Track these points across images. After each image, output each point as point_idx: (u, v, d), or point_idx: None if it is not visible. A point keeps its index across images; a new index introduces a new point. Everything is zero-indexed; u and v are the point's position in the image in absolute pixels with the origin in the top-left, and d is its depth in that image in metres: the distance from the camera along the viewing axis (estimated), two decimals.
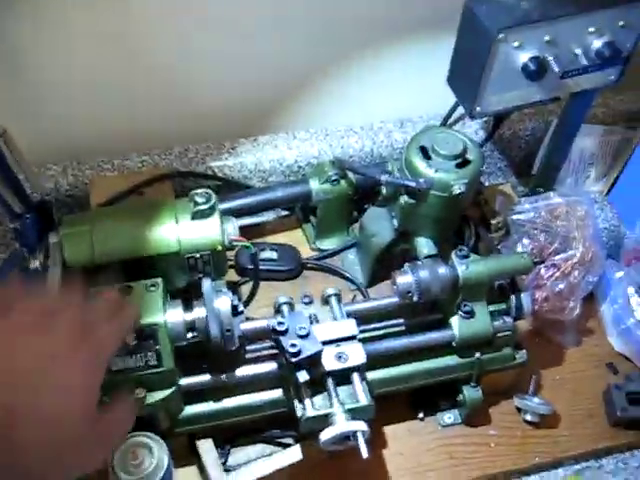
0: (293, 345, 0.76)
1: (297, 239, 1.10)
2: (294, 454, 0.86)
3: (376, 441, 0.91)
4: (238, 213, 1.01)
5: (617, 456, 0.96)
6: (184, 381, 0.81)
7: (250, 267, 1.01)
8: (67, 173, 1.07)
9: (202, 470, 0.86)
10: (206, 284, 0.79)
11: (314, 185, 1.02)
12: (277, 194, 1.02)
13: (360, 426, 0.75)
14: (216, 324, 0.77)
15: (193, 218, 0.84)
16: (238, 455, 0.89)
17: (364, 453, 0.74)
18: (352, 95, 1.15)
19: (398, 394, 0.91)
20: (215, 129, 1.11)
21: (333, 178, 1.01)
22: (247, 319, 0.83)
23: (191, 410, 0.84)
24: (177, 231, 0.83)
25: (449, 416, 0.94)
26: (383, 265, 1.01)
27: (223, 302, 0.78)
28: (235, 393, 0.84)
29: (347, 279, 1.05)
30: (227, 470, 0.86)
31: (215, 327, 0.77)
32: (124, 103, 1.05)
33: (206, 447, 0.86)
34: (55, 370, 0.54)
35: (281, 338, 0.77)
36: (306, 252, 1.08)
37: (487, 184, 1.19)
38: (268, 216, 1.11)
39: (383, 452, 0.91)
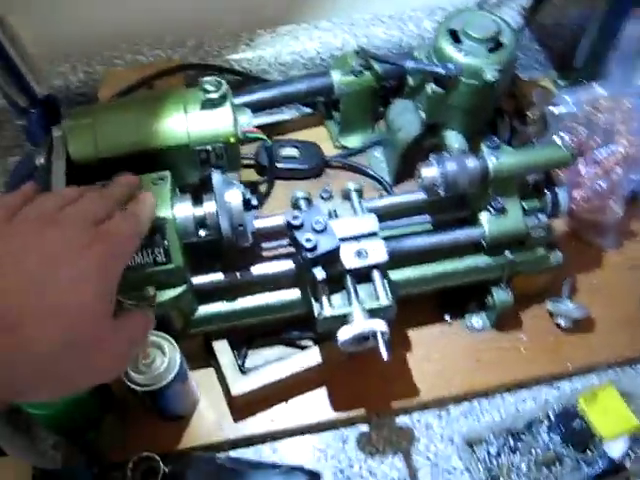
0: (309, 240, 0.71)
1: (320, 136, 1.03)
2: (312, 356, 0.83)
3: (400, 344, 0.87)
4: (256, 108, 0.94)
5: None
6: (196, 279, 0.77)
7: (270, 165, 0.96)
8: (77, 70, 1.02)
9: (218, 371, 0.84)
10: (216, 177, 0.75)
11: (336, 77, 0.95)
12: (297, 87, 0.96)
13: (379, 325, 0.71)
14: (227, 219, 0.72)
15: (203, 108, 0.78)
16: (255, 357, 0.87)
17: (384, 354, 0.70)
18: None
19: (424, 295, 0.87)
20: (232, 19, 1.04)
21: (357, 69, 0.94)
22: (263, 216, 0.79)
23: (205, 310, 0.80)
24: (186, 122, 0.78)
25: (477, 319, 0.90)
26: (411, 162, 0.94)
27: (234, 195, 0.73)
28: (250, 292, 0.81)
29: (372, 177, 0.99)
30: (244, 372, 0.84)
31: (226, 222, 0.72)
32: None
33: (222, 348, 0.83)
34: (65, 267, 0.51)
35: (296, 233, 0.72)
36: (330, 150, 1.02)
37: (525, 78, 1.10)
38: (290, 113, 1.05)
39: (407, 355, 0.88)
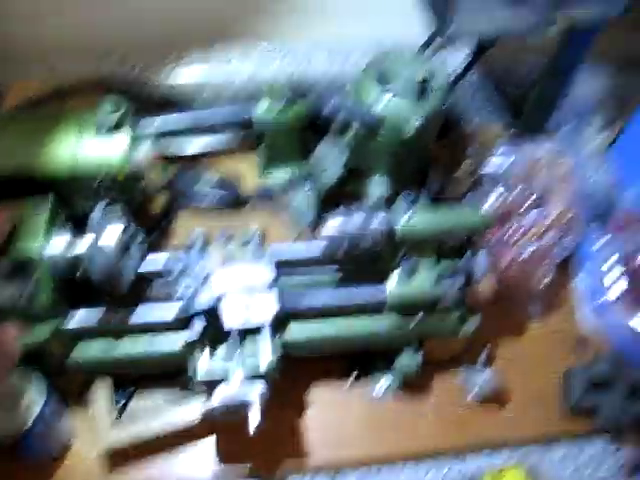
0: (188, 287, 0.65)
1: (245, 169, 0.97)
2: (192, 412, 0.76)
3: (298, 403, 0.82)
4: (173, 134, 0.89)
5: (568, 444, 0.85)
6: (72, 316, 0.71)
7: (184, 196, 0.91)
8: None
9: (95, 415, 0.77)
10: (95, 214, 0.68)
11: (261, 109, 0.89)
12: (219, 115, 0.90)
13: (254, 392, 0.65)
14: (99, 262, 0.66)
15: (98, 133, 0.72)
16: (146, 396, 0.80)
17: (253, 424, 0.65)
18: (322, 10, 1.00)
19: (330, 355, 0.81)
20: (160, 37, 0.97)
21: (282, 103, 0.88)
22: (157, 251, 0.73)
23: (83, 349, 0.74)
24: (76, 147, 0.72)
25: (384, 382, 0.84)
26: (334, 203, 0.88)
27: (110, 235, 0.67)
28: (132, 335, 0.74)
29: (293, 216, 0.93)
30: (121, 417, 0.77)
31: (97, 266, 0.66)
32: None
33: (99, 391, 0.77)
34: None
35: (178, 279, 0.67)
36: (253, 183, 0.96)
37: (469, 124, 1.05)
38: (215, 142, 0.99)
39: (305, 415, 0.81)
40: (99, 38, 0.96)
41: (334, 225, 0.72)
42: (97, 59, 0.97)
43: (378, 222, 0.72)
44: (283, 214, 0.94)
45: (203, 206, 0.93)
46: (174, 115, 0.87)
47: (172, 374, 0.80)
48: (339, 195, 0.88)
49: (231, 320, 0.68)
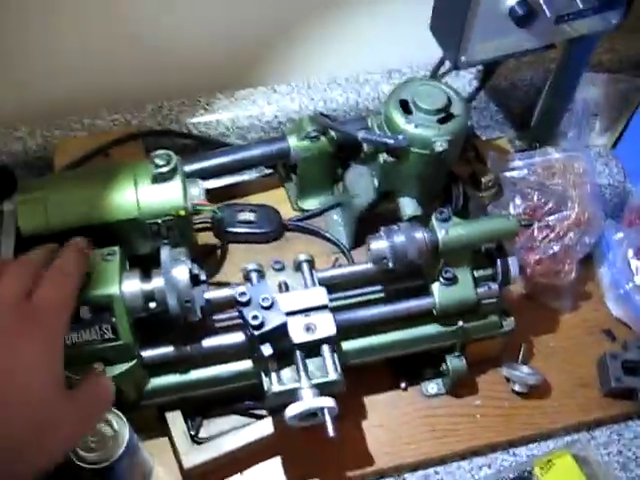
0: (255, 317, 0.71)
1: (279, 198, 1.04)
2: (265, 427, 0.82)
3: (355, 411, 0.87)
4: (214, 173, 0.96)
5: (610, 427, 0.91)
6: (146, 353, 0.77)
7: (227, 230, 0.97)
8: (35, 134, 1.01)
9: (172, 442, 0.83)
10: (164, 253, 0.75)
11: (292, 142, 0.96)
12: (254, 152, 0.96)
13: (327, 402, 0.71)
14: (174, 296, 0.72)
15: (153, 181, 0.79)
16: (210, 427, 0.86)
17: (330, 431, 0.70)
18: (335, 45, 1.07)
19: (379, 363, 0.87)
20: (190, 83, 1.04)
21: (312, 135, 0.95)
22: (217, 285, 0.80)
23: (157, 382, 0.80)
24: (136, 195, 0.78)
25: (432, 386, 0.90)
26: (367, 226, 0.94)
27: (181, 271, 0.73)
28: (202, 364, 0.80)
29: (330, 240, 1.00)
30: (198, 442, 0.83)
31: (173, 299, 0.72)
32: (96, 56, 1.00)
33: (174, 419, 0.82)
34: (5, 361, 0.52)
35: (243, 309, 0.73)
36: (288, 212, 1.03)
37: (484, 138, 1.12)
38: (250, 174, 1.06)
39: (362, 423, 0.87)
40: (133, 90, 1.02)
41: (380, 241, 0.79)
42: (129, 112, 1.03)
43: (421, 236, 0.78)
44: (318, 241, 1.00)
45: (243, 239, 0.99)
46: (217, 155, 0.94)
47: (235, 400, 0.86)
48: (371, 218, 0.95)
49: (298, 337, 0.74)
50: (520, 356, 0.91)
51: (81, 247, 0.67)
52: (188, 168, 0.89)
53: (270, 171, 1.07)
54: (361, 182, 0.93)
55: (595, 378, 0.92)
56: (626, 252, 0.95)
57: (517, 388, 0.89)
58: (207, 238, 0.99)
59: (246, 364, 0.80)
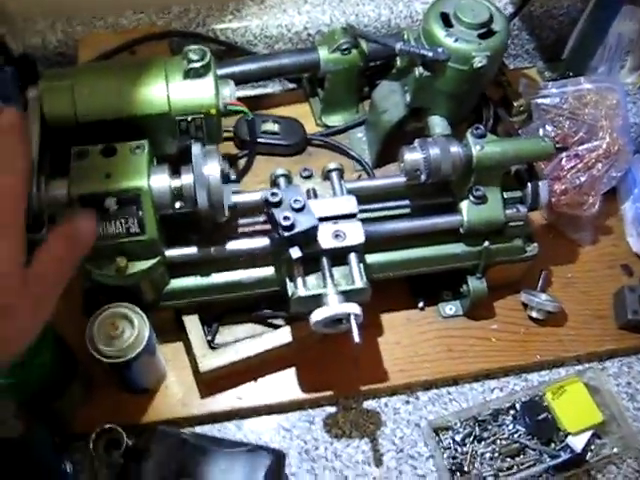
0: (286, 218, 0.70)
1: (303, 113, 1.02)
2: (283, 335, 0.82)
3: (372, 328, 0.87)
4: (240, 80, 0.92)
5: (622, 359, 0.92)
6: (170, 252, 0.76)
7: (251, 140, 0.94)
8: (56, 29, 0.98)
9: (188, 346, 0.83)
10: (196, 149, 0.73)
11: (323, 54, 0.94)
12: (282, 61, 0.94)
13: (353, 309, 0.70)
14: (204, 192, 0.71)
15: (185, 77, 0.76)
16: (226, 334, 0.86)
17: (356, 337, 0.70)
18: None
19: (399, 281, 0.87)
20: None
21: (344, 47, 0.93)
22: (241, 191, 0.78)
23: (177, 284, 0.79)
24: (167, 91, 0.75)
25: (450, 307, 0.90)
26: (393, 145, 0.92)
27: (213, 168, 0.71)
28: (224, 268, 0.79)
29: (353, 158, 0.98)
30: (213, 348, 0.83)
31: (203, 196, 0.71)
32: None
33: (192, 323, 0.82)
34: None
35: (274, 210, 0.71)
36: (312, 127, 1.01)
37: (512, 67, 1.09)
38: (273, 87, 1.03)
39: (379, 340, 0.87)
40: None
41: (415, 153, 0.77)
42: (155, 13, 1.00)
43: (456, 149, 0.77)
44: (341, 158, 0.98)
45: (265, 150, 0.97)
46: (245, 61, 0.91)
47: (253, 309, 0.86)
48: (395, 140, 0.93)
49: (326, 243, 0.73)
50: (539, 283, 0.90)
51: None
52: (224, 70, 0.86)
53: (294, 86, 1.04)
54: (391, 98, 0.91)
55: (611, 310, 0.92)
56: None
57: (534, 314, 0.89)
58: (228, 148, 0.97)
59: (269, 270, 0.79)
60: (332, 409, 0.85)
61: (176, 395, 0.83)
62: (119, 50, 0.91)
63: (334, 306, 0.70)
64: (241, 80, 0.93)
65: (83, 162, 0.72)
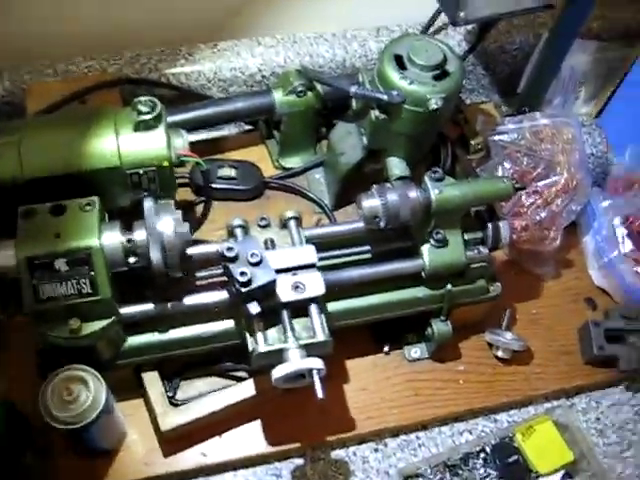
0: (243, 273, 0.68)
1: (260, 156, 1.00)
2: (247, 389, 0.80)
3: (337, 375, 0.85)
4: (194, 126, 0.92)
5: (590, 394, 0.91)
6: (125, 310, 0.73)
7: (207, 186, 0.93)
8: (3, 77, 0.95)
9: (148, 404, 0.80)
10: (147, 204, 0.71)
11: (278, 96, 0.92)
12: (237, 105, 0.92)
13: (316, 364, 0.69)
14: (157, 248, 0.69)
15: (136, 129, 0.74)
16: (188, 388, 0.83)
17: (319, 393, 0.68)
18: None
19: (362, 326, 0.85)
20: (170, 33, 0.99)
21: (299, 89, 0.91)
22: (197, 242, 0.76)
23: (134, 341, 0.76)
24: (117, 144, 0.74)
25: (416, 350, 0.88)
26: (351, 186, 0.92)
27: (166, 224, 0.70)
28: (183, 323, 0.77)
29: (312, 200, 0.97)
30: (175, 404, 0.80)
31: (157, 252, 0.69)
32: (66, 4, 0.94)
33: (151, 380, 0.79)
34: None
35: (230, 265, 0.69)
36: (269, 170, 0.99)
37: (468, 102, 1.10)
38: (229, 130, 1.02)
39: (345, 387, 0.85)
40: (108, 38, 0.97)
41: (373, 200, 0.76)
42: (105, 59, 0.98)
43: (415, 195, 0.76)
44: (299, 200, 0.97)
45: (222, 196, 0.95)
46: (199, 107, 0.90)
47: (214, 362, 0.83)
48: (354, 180, 0.92)
49: (286, 296, 0.71)
50: (504, 322, 0.90)
51: None
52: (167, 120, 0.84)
53: (250, 127, 1.03)
54: (348, 140, 0.90)
55: (577, 345, 0.92)
56: (612, 220, 0.94)
57: (500, 354, 0.88)
58: (184, 194, 0.95)
59: (228, 324, 0.77)
60: (300, 461, 0.83)
61: (138, 454, 0.80)
62: (69, 100, 0.89)
63: (296, 362, 0.69)
64: (196, 126, 0.91)
65: (31, 222, 0.69)
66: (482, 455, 0.84)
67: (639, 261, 0.93)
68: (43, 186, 0.73)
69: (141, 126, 0.74)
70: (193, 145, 0.87)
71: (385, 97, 0.80)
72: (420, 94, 0.79)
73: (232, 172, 0.95)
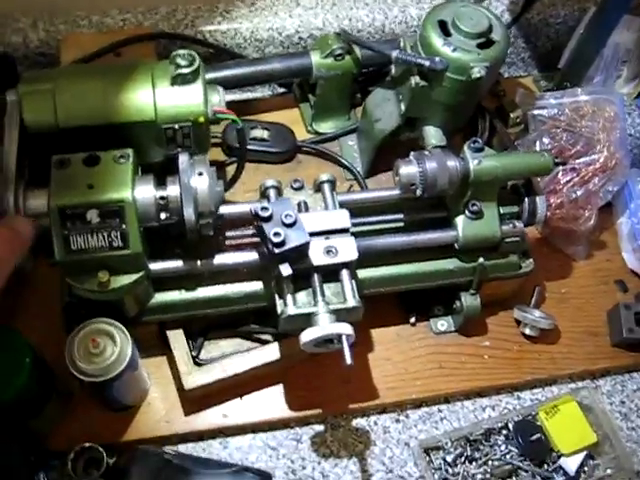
0: (277, 234, 0.67)
1: (293, 119, 0.99)
2: (271, 352, 0.79)
3: (362, 343, 0.84)
4: (228, 85, 0.90)
5: (615, 377, 0.90)
6: (154, 266, 0.73)
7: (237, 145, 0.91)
8: (38, 27, 0.94)
9: (172, 362, 0.80)
10: (183, 159, 0.70)
11: (315, 59, 0.91)
12: (273, 66, 0.91)
13: (345, 329, 0.68)
14: (191, 204, 0.68)
15: (173, 83, 0.73)
16: (211, 348, 0.83)
17: (348, 359, 0.67)
18: None
19: (389, 295, 0.84)
20: None
21: (337, 52, 0.90)
22: (229, 202, 0.75)
23: (162, 298, 0.76)
24: (154, 97, 0.72)
25: (442, 323, 0.87)
26: (385, 154, 0.90)
27: (201, 180, 0.68)
28: (211, 282, 0.76)
29: (344, 167, 0.95)
30: (198, 364, 0.80)
31: (190, 209, 0.68)
32: None
33: (176, 338, 0.79)
34: None
35: (264, 225, 0.68)
36: (302, 134, 0.98)
37: (507, 75, 1.07)
38: (263, 92, 1.00)
39: (369, 356, 0.85)
40: None
41: (411, 166, 0.74)
42: (141, 13, 0.97)
43: (454, 164, 0.74)
44: (331, 166, 0.96)
45: (254, 157, 0.94)
46: (235, 65, 0.88)
47: (239, 323, 0.83)
48: (388, 149, 0.90)
49: (318, 259, 0.70)
50: (533, 299, 0.88)
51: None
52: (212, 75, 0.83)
53: (283, 90, 1.01)
54: (385, 107, 0.89)
55: (605, 327, 0.91)
56: None
57: (527, 331, 0.87)
58: (216, 155, 0.94)
59: (256, 285, 0.77)
60: (320, 427, 0.82)
61: (159, 412, 0.80)
62: (104, 52, 0.87)
63: (325, 326, 0.68)
64: (230, 85, 0.90)
65: (64, 171, 0.68)
66: (504, 432, 0.83)
67: None
68: (77, 136, 0.71)
69: (178, 80, 0.72)
70: (227, 105, 0.86)
71: (428, 63, 0.78)
72: (463, 62, 0.77)
73: (265, 134, 0.94)
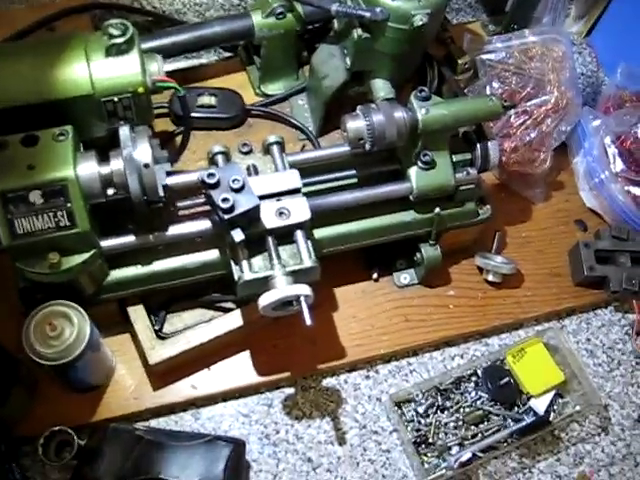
0: (225, 200, 0.66)
1: (241, 83, 0.97)
2: (234, 319, 0.79)
3: (326, 303, 0.84)
4: (171, 53, 0.88)
5: (580, 316, 0.91)
6: (106, 243, 0.71)
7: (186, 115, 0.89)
8: None
9: (135, 338, 0.79)
10: (123, 132, 0.68)
11: (257, 19, 0.88)
12: (214, 30, 0.88)
13: (303, 290, 0.67)
14: (135, 177, 0.66)
15: (107, 55, 0.71)
16: (175, 321, 0.82)
17: (307, 320, 0.67)
18: None
19: (351, 252, 0.83)
20: None
21: (278, 11, 0.88)
22: (177, 172, 0.74)
23: (118, 274, 0.75)
24: (89, 70, 0.70)
25: (405, 276, 0.87)
26: (336, 111, 0.89)
27: (143, 151, 0.67)
28: (166, 255, 0.75)
29: (296, 127, 0.94)
30: (162, 337, 0.79)
31: (135, 181, 0.66)
32: None
33: (137, 314, 0.78)
34: None
35: (212, 192, 0.67)
36: (251, 97, 0.96)
37: (455, 22, 1.06)
38: (209, 58, 0.98)
39: (334, 315, 0.85)
40: None
41: (358, 121, 0.73)
42: None
43: (401, 114, 0.73)
44: (283, 127, 0.94)
45: (203, 125, 0.92)
46: (175, 32, 0.86)
47: (200, 293, 0.82)
48: (338, 105, 0.89)
49: (270, 222, 0.69)
50: (494, 245, 0.89)
51: None
52: (149, 44, 0.81)
53: (229, 54, 0.99)
54: (331, 62, 0.87)
55: (567, 268, 0.91)
56: (603, 140, 0.92)
57: (490, 278, 0.88)
58: (164, 125, 0.92)
59: (213, 254, 0.76)
60: (290, 390, 0.82)
61: (127, 389, 0.79)
62: (36, 27, 0.85)
63: (282, 288, 0.67)
64: (173, 52, 0.88)
65: (2, 154, 0.67)
66: (473, 379, 0.84)
67: (630, 180, 0.91)
68: (14, 117, 0.70)
69: (113, 50, 0.71)
70: (171, 74, 0.84)
71: (368, 14, 0.76)
72: (404, 10, 0.76)
73: (212, 100, 0.92)
